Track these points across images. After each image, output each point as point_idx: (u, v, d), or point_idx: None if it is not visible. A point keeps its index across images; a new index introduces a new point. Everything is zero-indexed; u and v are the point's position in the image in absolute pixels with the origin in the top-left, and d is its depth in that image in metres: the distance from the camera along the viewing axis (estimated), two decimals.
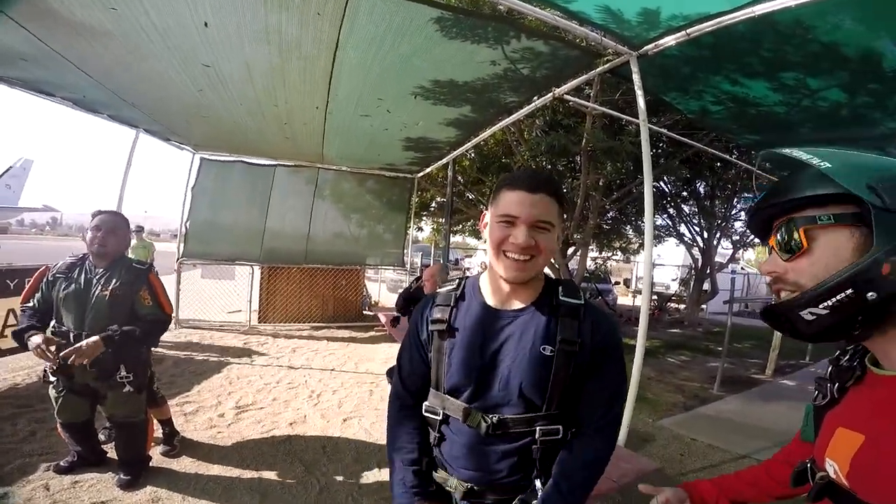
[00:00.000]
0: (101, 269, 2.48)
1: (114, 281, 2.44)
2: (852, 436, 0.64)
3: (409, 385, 1.18)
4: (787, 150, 0.65)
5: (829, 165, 0.59)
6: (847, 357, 0.74)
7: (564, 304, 1.05)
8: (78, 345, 2.25)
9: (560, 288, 1.08)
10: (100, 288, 2.43)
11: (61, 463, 2.64)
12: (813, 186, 0.61)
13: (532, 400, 1.02)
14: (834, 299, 0.59)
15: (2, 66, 3.53)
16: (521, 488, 1.05)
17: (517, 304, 1.07)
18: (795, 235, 0.63)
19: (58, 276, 2.47)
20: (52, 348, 2.24)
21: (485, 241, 1.08)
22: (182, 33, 2.86)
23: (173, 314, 2.50)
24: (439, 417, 1.09)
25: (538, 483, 1.03)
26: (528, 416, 1.02)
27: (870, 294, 0.57)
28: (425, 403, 1.12)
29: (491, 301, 1.09)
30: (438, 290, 1.18)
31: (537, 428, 1.02)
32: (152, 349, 2.84)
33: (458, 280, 1.17)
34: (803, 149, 0.64)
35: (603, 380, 1.06)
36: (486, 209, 1.08)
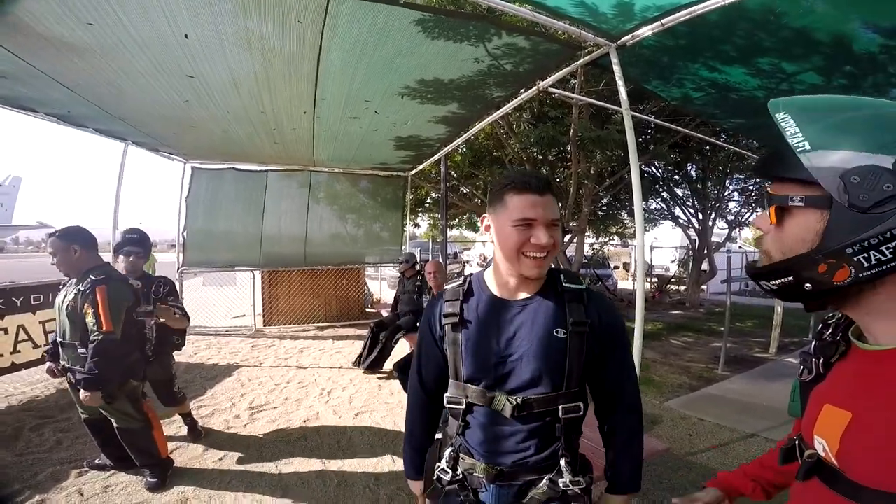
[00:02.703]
0: (73, 281, 2.53)
1: (74, 293, 2.48)
2: (840, 413, 0.62)
3: (425, 378, 1.27)
4: (780, 114, 0.60)
5: (807, 147, 0.56)
6: (830, 332, 0.73)
7: (569, 290, 1.12)
8: (80, 399, 2.45)
9: (561, 276, 1.15)
10: (67, 299, 2.50)
11: (95, 460, 2.77)
12: (790, 167, 0.60)
13: (552, 380, 1.07)
14: (779, 280, 0.64)
15: None
16: (547, 468, 1.11)
17: (524, 294, 1.13)
18: (769, 210, 0.64)
19: (62, 287, 2.59)
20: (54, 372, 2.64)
21: (492, 241, 1.13)
22: (163, 46, 2.87)
23: (112, 332, 2.42)
24: (462, 406, 1.13)
25: (563, 462, 1.09)
26: (551, 395, 1.08)
27: (806, 285, 0.60)
28: (446, 395, 1.17)
29: (499, 293, 1.15)
30: (445, 287, 1.23)
31: (560, 406, 1.07)
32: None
33: (462, 278, 1.22)
34: (802, 104, 0.61)
35: (619, 361, 1.16)
36: (487, 213, 1.13)
